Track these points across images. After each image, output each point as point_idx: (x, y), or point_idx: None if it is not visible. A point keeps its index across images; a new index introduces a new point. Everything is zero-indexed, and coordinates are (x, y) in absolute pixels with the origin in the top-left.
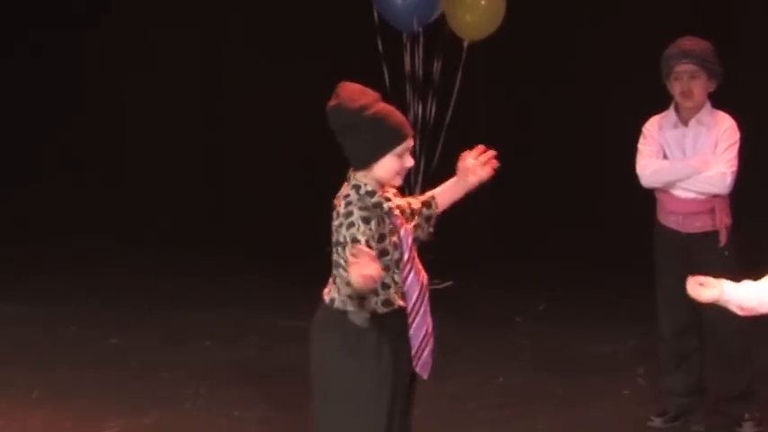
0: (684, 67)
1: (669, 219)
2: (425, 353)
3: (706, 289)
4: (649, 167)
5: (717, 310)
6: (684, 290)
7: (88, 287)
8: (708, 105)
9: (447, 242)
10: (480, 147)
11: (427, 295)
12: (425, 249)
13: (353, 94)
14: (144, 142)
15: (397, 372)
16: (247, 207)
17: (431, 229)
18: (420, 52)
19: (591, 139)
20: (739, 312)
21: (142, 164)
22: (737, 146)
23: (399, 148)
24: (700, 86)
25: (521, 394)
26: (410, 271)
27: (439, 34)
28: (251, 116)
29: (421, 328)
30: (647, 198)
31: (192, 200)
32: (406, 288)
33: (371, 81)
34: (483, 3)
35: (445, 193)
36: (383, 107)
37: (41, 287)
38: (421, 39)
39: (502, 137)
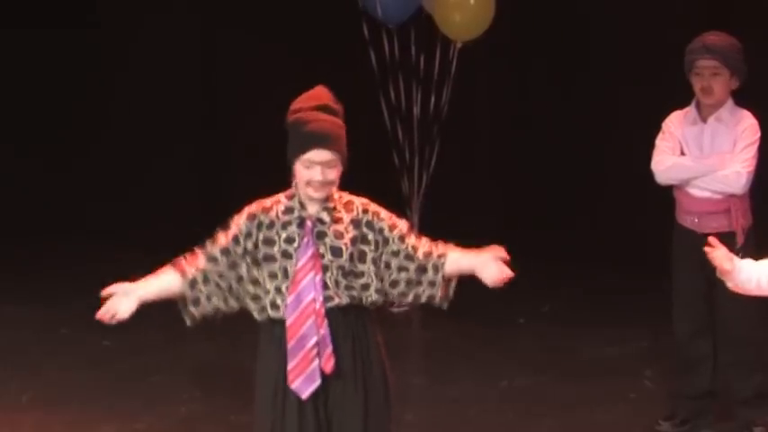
0: (706, 63)
1: (686, 218)
2: (305, 373)
3: (724, 259)
4: (663, 164)
5: (731, 313)
6: (700, 291)
7: (80, 288)
8: (729, 103)
9: (448, 242)
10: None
11: (315, 321)
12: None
13: (301, 97)
14: (141, 141)
15: (273, 378)
16: (244, 204)
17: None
18: (394, 45)
19: (597, 136)
20: (732, 288)
21: (137, 163)
22: (756, 145)
23: (304, 158)
24: (721, 83)
25: (524, 398)
26: (293, 291)
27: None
28: (248, 112)
29: (299, 347)
30: (653, 197)
31: (189, 199)
32: (287, 304)
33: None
34: (471, 2)
35: (457, 263)
36: (308, 115)
37: (32, 288)
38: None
39: (504, 135)
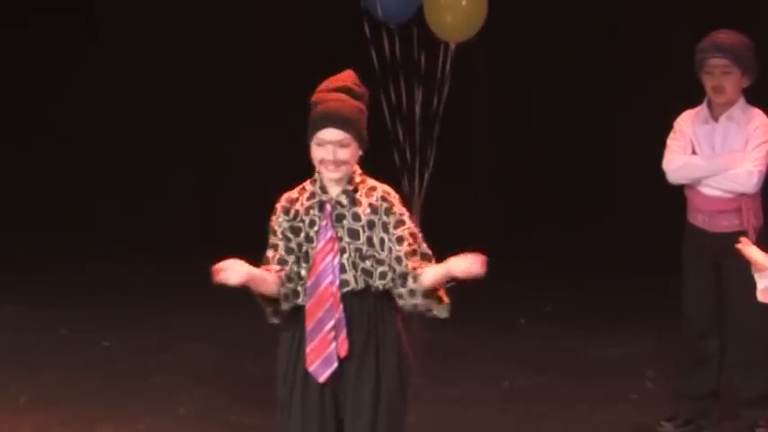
0: (716, 62)
1: (697, 217)
2: (323, 356)
3: (759, 254)
4: (675, 163)
5: (741, 313)
6: (710, 291)
7: (80, 288)
8: (741, 101)
9: (449, 241)
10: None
11: (332, 305)
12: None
13: (327, 80)
14: (138, 141)
15: (285, 360)
16: (244, 206)
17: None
18: (395, 45)
19: (599, 136)
20: (760, 295)
21: (137, 164)
22: None
23: (316, 137)
24: (732, 82)
25: (526, 398)
26: (313, 274)
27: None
28: (246, 109)
29: (317, 330)
30: (655, 197)
31: (188, 199)
32: (306, 287)
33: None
34: (463, 3)
35: (433, 270)
36: (325, 95)
37: (30, 288)
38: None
39: (506, 134)
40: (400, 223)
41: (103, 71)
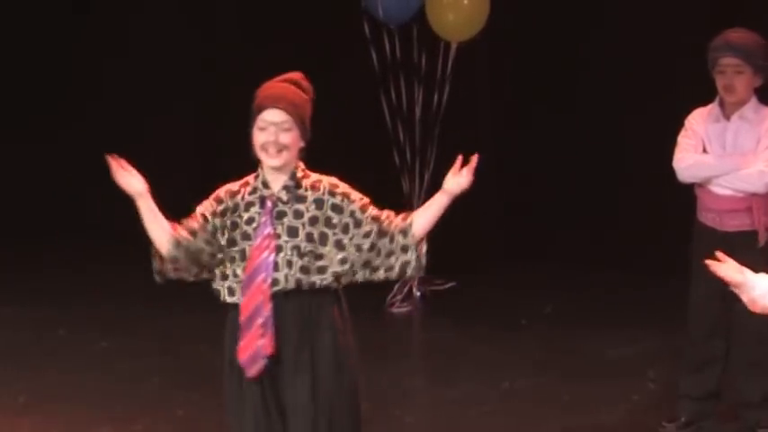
0: (728, 61)
1: (707, 216)
2: (251, 352)
3: (732, 271)
4: (685, 161)
5: (747, 314)
6: (718, 291)
7: (79, 288)
8: (753, 101)
9: (450, 242)
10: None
11: (263, 302)
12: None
13: None
14: (138, 141)
15: (229, 359)
16: None
17: (421, 261)
18: (395, 44)
19: (601, 137)
20: (750, 306)
21: (135, 163)
22: None
23: (258, 119)
24: (743, 81)
25: (526, 399)
26: (250, 268)
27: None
28: (244, 110)
29: (248, 327)
30: (658, 198)
31: (186, 199)
32: (241, 282)
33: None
34: (465, 2)
35: (424, 211)
36: (268, 85)
37: (30, 288)
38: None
39: (507, 134)
40: (365, 207)
41: (103, 71)
